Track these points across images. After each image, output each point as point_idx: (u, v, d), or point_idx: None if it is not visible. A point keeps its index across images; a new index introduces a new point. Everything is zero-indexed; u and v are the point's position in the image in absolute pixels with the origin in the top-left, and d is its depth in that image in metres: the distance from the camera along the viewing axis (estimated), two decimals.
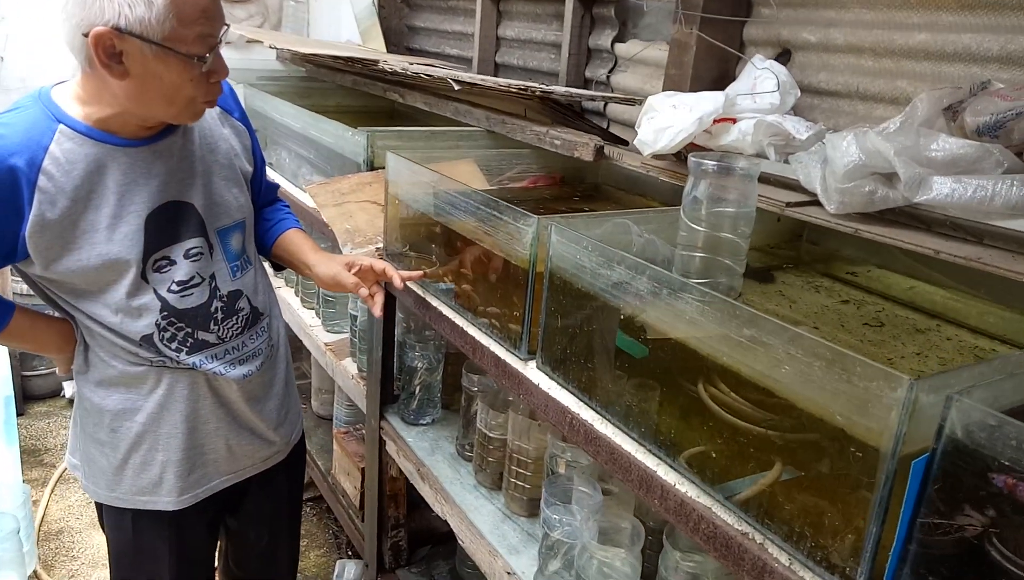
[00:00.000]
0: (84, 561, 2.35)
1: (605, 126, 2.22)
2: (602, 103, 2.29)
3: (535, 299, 1.20)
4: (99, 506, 1.40)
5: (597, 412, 1.09)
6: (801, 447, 0.81)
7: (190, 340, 1.27)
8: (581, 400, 1.12)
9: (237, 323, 1.34)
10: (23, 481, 2.35)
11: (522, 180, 1.90)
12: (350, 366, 2.08)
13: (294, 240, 1.47)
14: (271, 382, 1.43)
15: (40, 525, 2.47)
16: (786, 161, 1.41)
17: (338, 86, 2.84)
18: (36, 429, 3.04)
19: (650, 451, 1.00)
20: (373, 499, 1.93)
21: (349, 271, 1.39)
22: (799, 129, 1.44)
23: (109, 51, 1.04)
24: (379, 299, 1.41)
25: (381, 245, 1.74)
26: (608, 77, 2.26)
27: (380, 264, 1.40)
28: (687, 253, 1.11)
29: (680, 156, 1.69)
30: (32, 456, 2.85)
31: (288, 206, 1.57)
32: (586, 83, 2.37)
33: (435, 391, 1.82)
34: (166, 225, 1.22)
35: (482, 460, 1.59)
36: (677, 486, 0.95)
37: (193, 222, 1.25)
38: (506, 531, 1.46)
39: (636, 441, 1.02)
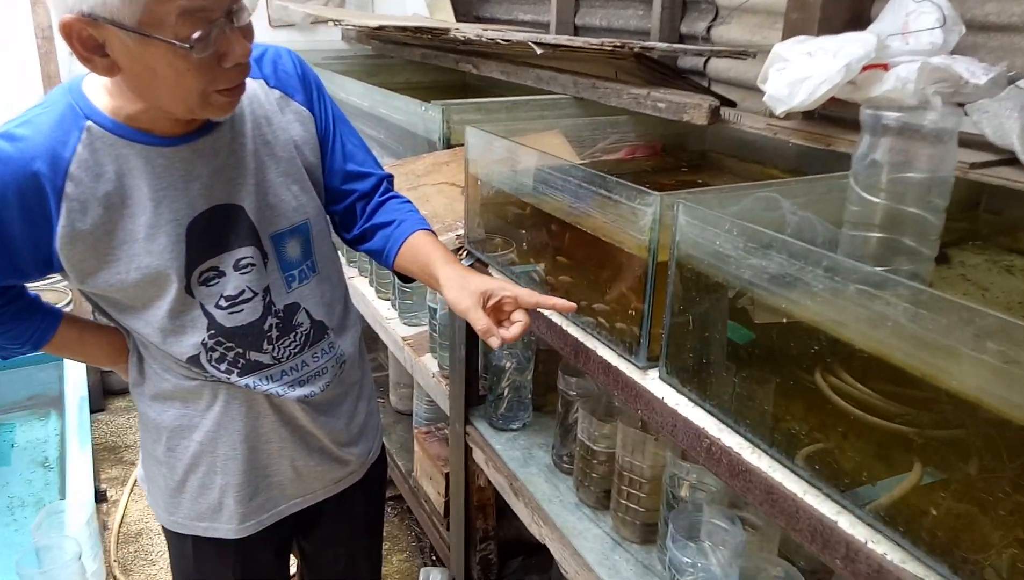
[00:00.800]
0: (162, 566, 2.27)
1: (706, 86, 1.96)
2: (701, 61, 2.02)
3: (656, 294, 0.98)
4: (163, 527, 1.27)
5: (747, 438, 0.87)
6: None
7: (241, 361, 1.10)
8: (723, 422, 0.90)
9: (295, 341, 1.15)
10: (100, 483, 2.29)
11: (617, 151, 1.67)
12: (430, 363, 1.90)
13: (421, 248, 1.17)
14: (342, 398, 1.26)
15: (119, 526, 2.42)
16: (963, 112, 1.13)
17: (407, 62, 2.66)
18: (116, 425, 3.01)
19: (826, 494, 0.77)
20: (460, 509, 1.76)
21: (483, 303, 1.03)
22: (974, 72, 1.16)
23: (87, 43, 0.85)
24: (515, 330, 1.02)
25: (461, 232, 1.55)
26: (708, 31, 1.99)
27: (529, 297, 1.02)
28: (859, 233, 0.87)
29: (814, 115, 1.42)
30: (112, 453, 2.81)
31: (409, 202, 1.29)
32: (682, 39, 2.11)
33: (525, 392, 1.62)
34: (213, 232, 1.04)
35: (584, 475, 1.38)
36: (870, 544, 0.72)
37: (243, 228, 1.07)
38: (617, 562, 1.26)
39: (805, 480, 0.80)
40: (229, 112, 0.97)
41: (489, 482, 1.64)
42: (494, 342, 1.01)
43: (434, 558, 2.30)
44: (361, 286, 2.39)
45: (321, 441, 1.24)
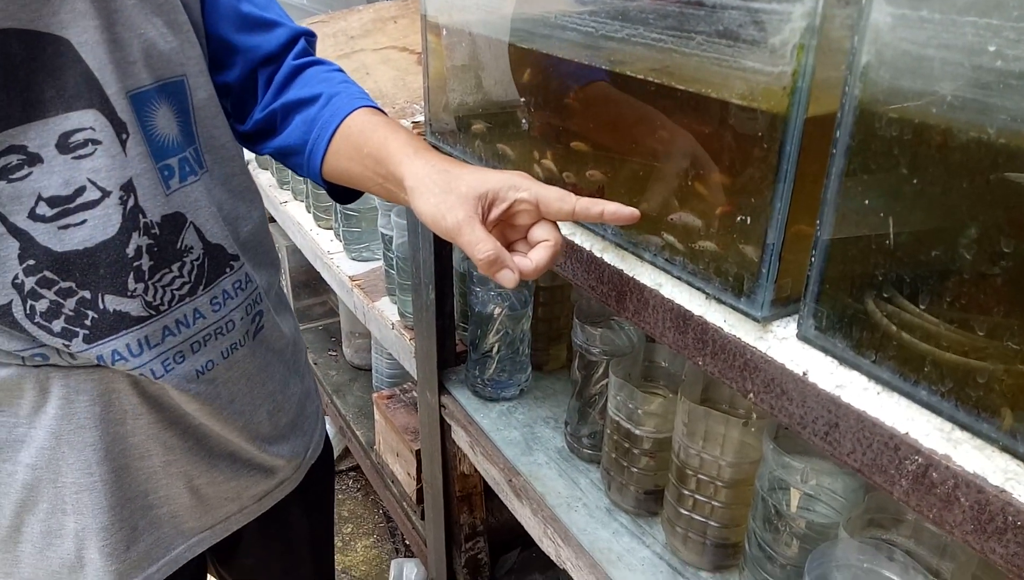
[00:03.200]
0: None
1: None
2: None
3: (800, 184, 0.51)
4: None
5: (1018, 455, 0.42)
6: None
7: (89, 314, 0.65)
8: (956, 421, 0.45)
9: (182, 277, 0.71)
10: None
11: None
12: (388, 309, 1.44)
13: (366, 134, 0.72)
14: (261, 372, 0.81)
15: None
16: None
17: None
18: None
19: None
20: (438, 504, 1.33)
21: (484, 213, 0.60)
22: None
23: None
24: (540, 257, 0.60)
25: (419, 118, 1.06)
26: None
27: (560, 200, 0.60)
28: None
29: None
30: None
31: (340, 69, 0.84)
32: None
33: (522, 347, 1.16)
34: (7, 80, 0.59)
35: (619, 469, 0.94)
36: None
37: (73, 77, 0.62)
38: None
39: None
40: None
41: (475, 468, 1.21)
42: (508, 279, 0.58)
43: (407, 544, 1.88)
44: (296, 212, 1.90)
45: (231, 442, 0.80)
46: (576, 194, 0.62)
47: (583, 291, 0.76)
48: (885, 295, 0.47)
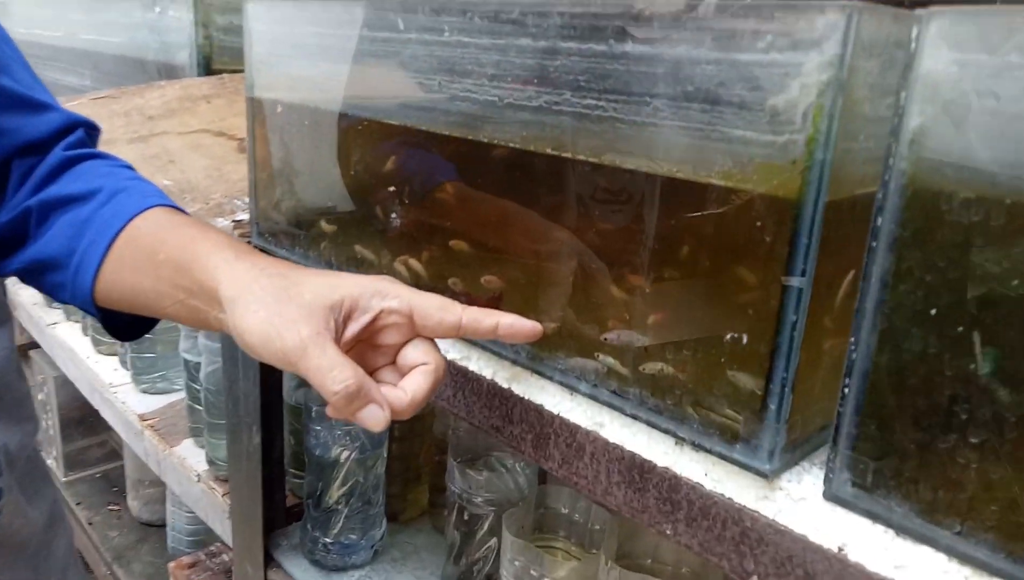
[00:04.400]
0: None
1: None
2: None
3: (825, 287, 0.38)
4: None
5: None
6: None
7: None
8: None
9: None
10: None
11: None
12: (193, 456, 1.14)
13: (163, 235, 0.52)
14: None
15: None
16: None
17: None
18: None
19: None
20: None
21: (337, 329, 0.43)
22: None
23: None
24: (417, 388, 0.44)
25: (244, 216, 0.85)
26: None
27: (441, 309, 0.45)
28: None
29: None
30: None
31: (128, 166, 0.62)
32: None
33: (376, 497, 0.93)
34: None
35: None
36: None
37: None
38: None
39: None
40: None
41: None
42: (375, 419, 0.42)
43: None
44: (69, 336, 1.54)
45: None
46: (467, 304, 0.46)
47: (487, 429, 0.57)
48: (972, 440, 0.34)
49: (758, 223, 0.39)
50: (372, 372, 0.46)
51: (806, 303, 0.38)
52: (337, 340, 0.42)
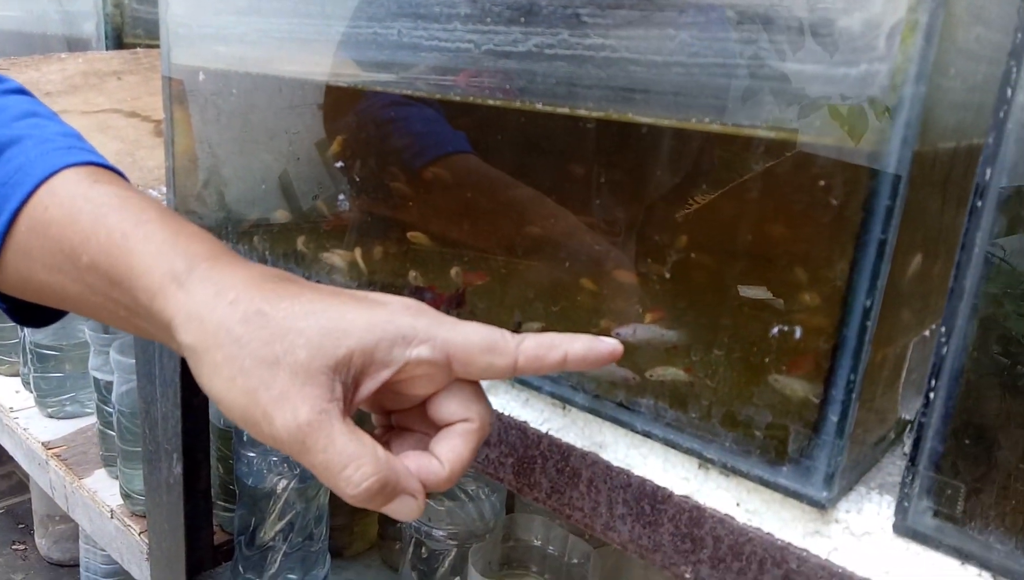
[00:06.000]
0: None
1: None
2: None
3: (897, 272, 0.30)
4: None
5: None
6: None
7: None
8: None
9: None
10: None
11: None
12: (105, 489, 1.00)
13: (87, 223, 0.37)
14: None
15: None
16: None
17: None
18: None
19: None
20: None
21: (347, 398, 0.31)
22: None
23: None
24: (453, 458, 0.33)
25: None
26: None
27: (502, 347, 0.33)
28: None
29: None
30: None
31: (23, 91, 0.46)
32: None
33: (319, 531, 0.82)
34: None
35: None
36: None
37: None
38: None
39: None
40: None
41: None
42: (409, 511, 0.30)
43: None
44: None
45: None
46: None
47: (487, 474, 0.48)
48: None
49: (821, 182, 0.30)
50: (391, 429, 0.36)
51: (883, 284, 0.30)
52: (347, 409, 0.31)
